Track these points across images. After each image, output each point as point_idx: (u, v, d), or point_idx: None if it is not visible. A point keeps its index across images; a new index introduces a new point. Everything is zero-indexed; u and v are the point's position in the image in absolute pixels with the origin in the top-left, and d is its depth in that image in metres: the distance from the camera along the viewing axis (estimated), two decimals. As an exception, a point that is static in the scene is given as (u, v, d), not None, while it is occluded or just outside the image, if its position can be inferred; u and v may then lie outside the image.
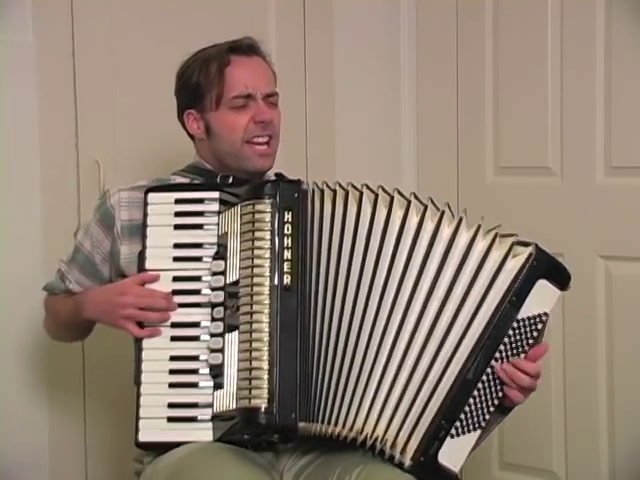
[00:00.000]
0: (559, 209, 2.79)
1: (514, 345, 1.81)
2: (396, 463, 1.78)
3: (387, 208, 1.82)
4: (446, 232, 1.81)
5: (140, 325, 1.88)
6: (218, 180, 1.97)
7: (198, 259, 1.88)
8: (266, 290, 1.81)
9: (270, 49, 2.11)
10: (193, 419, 1.84)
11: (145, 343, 1.87)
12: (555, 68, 2.76)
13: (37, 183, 2.40)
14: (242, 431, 1.81)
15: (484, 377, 1.79)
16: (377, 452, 1.78)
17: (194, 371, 1.85)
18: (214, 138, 2.02)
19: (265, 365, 1.79)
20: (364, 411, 1.78)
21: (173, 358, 1.86)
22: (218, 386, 1.83)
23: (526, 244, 1.83)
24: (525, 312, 1.81)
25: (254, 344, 1.80)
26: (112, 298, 1.89)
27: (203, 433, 1.83)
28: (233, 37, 2.05)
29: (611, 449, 2.71)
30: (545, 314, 1.83)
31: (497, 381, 1.80)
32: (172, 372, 1.86)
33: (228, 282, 1.85)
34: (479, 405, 1.80)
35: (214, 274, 1.85)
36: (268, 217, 1.83)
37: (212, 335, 1.84)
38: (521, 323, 1.81)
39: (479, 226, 1.83)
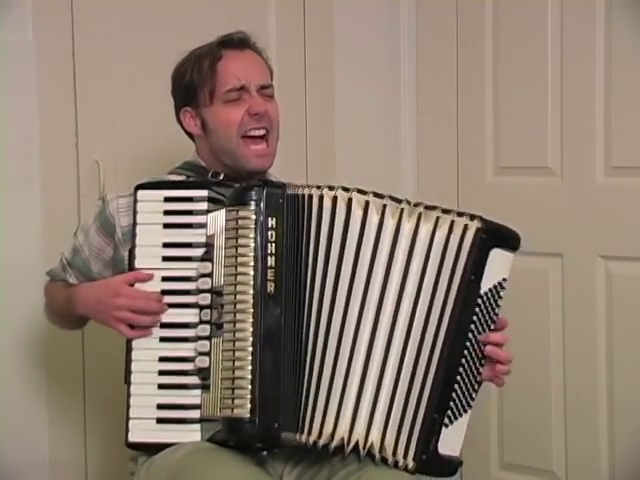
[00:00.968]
0: (559, 209, 2.79)
1: (484, 319, 1.83)
2: (402, 468, 1.79)
3: (362, 210, 1.82)
4: (390, 224, 1.81)
5: (131, 326, 1.87)
6: (209, 176, 1.97)
7: (187, 259, 1.86)
8: (250, 298, 1.80)
9: (270, 49, 2.11)
10: (182, 420, 1.83)
11: (135, 343, 1.87)
12: (555, 68, 2.77)
13: (37, 183, 2.40)
14: (226, 438, 1.81)
15: (462, 360, 1.81)
16: (379, 460, 1.79)
17: (183, 372, 1.84)
18: (210, 134, 2.01)
19: (248, 375, 1.78)
20: (344, 419, 1.79)
21: (162, 359, 1.85)
22: (205, 389, 1.82)
23: (472, 217, 1.83)
24: (486, 285, 1.82)
25: (237, 353, 1.79)
26: (105, 299, 1.88)
27: (191, 435, 1.83)
28: (232, 37, 2.05)
29: (611, 449, 2.71)
30: (504, 280, 1.84)
31: (475, 359, 1.82)
32: (161, 373, 1.85)
33: (215, 285, 1.83)
34: (464, 388, 1.82)
35: (202, 276, 1.84)
36: (252, 223, 1.81)
37: (199, 338, 1.83)
38: (485, 297, 1.82)
39: (420, 214, 1.81)
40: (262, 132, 1.99)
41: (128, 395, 1.86)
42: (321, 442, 1.80)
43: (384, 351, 1.80)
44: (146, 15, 2.56)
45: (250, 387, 1.78)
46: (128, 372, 1.87)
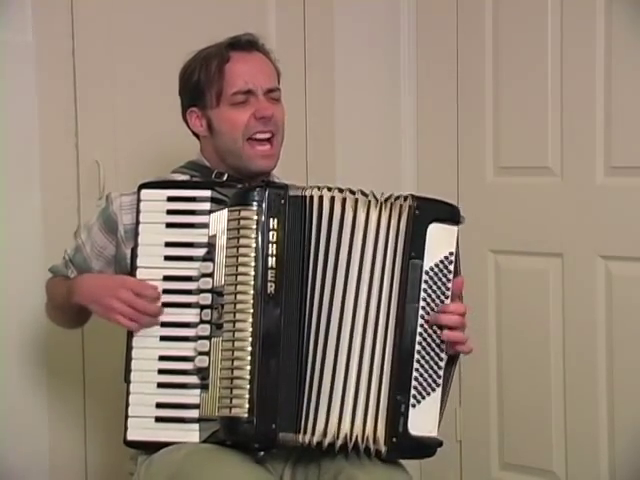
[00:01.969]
0: (559, 209, 2.79)
1: (434, 295, 1.83)
2: (373, 454, 1.80)
3: (352, 210, 1.84)
4: (361, 218, 1.84)
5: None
6: (213, 176, 1.97)
7: (189, 259, 1.86)
8: (250, 298, 1.80)
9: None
10: (180, 420, 1.83)
11: (135, 342, 1.87)
12: (555, 68, 2.77)
13: (37, 183, 2.40)
14: (224, 438, 1.81)
15: (419, 338, 1.82)
16: (351, 450, 1.80)
17: (183, 372, 1.84)
18: (216, 135, 2.02)
19: (247, 375, 1.79)
20: (334, 414, 1.80)
21: (162, 358, 1.86)
22: (204, 388, 1.83)
23: (405, 197, 1.85)
24: (431, 260, 1.83)
25: (236, 353, 1.80)
26: (109, 289, 1.86)
27: (190, 434, 1.83)
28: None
29: (611, 449, 2.71)
30: (451, 254, 1.84)
31: (434, 336, 1.83)
32: (161, 372, 1.85)
33: (216, 285, 1.84)
34: (427, 366, 1.82)
35: (203, 275, 1.85)
36: (254, 224, 1.82)
37: (199, 337, 1.84)
38: (431, 273, 1.83)
39: (369, 202, 1.84)
40: (268, 135, 2.00)
41: (127, 393, 1.86)
42: (319, 440, 1.80)
43: (360, 345, 1.83)
44: (146, 15, 2.56)
45: (248, 387, 1.78)
46: (128, 370, 1.87)
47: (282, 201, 1.83)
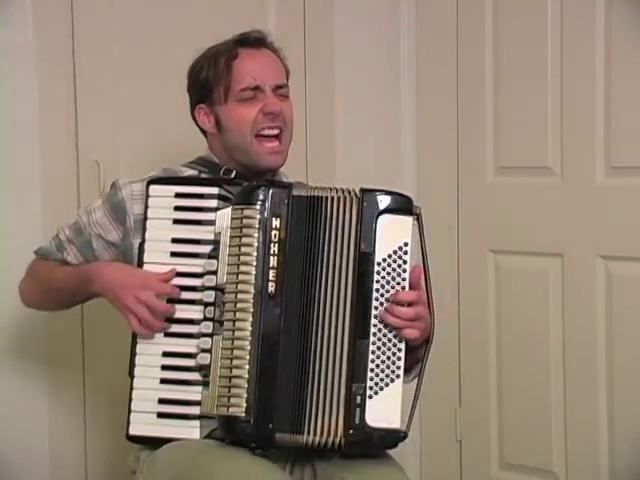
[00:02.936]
0: (559, 209, 2.79)
1: (389, 286, 1.83)
2: (335, 447, 1.80)
3: (331, 206, 1.85)
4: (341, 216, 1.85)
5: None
6: (221, 173, 1.98)
7: (195, 255, 1.87)
8: (250, 297, 1.81)
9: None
10: (182, 416, 1.84)
11: (140, 336, 1.88)
12: (555, 68, 2.77)
13: (37, 183, 2.40)
14: (222, 436, 1.82)
15: (373, 329, 1.82)
16: (316, 447, 1.80)
17: (186, 368, 1.85)
18: (224, 132, 2.02)
19: (245, 374, 1.80)
20: (328, 414, 1.81)
21: (166, 354, 1.87)
22: (205, 385, 1.83)
23: (354, 190, 1.86)
24: (383, 252, 1.83)
25: (235, 352, 1.81)
26: (131, 287, 1.86)
27: (191, 431, 1.84)
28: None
29: (611, 449, 2.71)
30: (405, 244, 1.84)
31: (390, 327, 1.82)
32: (164, 368, 1.86)
33: (219, 282, 1.85)
34: (384, 357, 1.82)
35: (207, 273, 1.86)
36: (256, 223, 1.83)
37: (202, 335, 1.85)
38: (384, 264, 1.83)
39: (339, 198, 1.85)
40: (276, 131, 2.00)
41: (131, 388, 1.87)
42: (316, 440, 1.81)
43: (336, 342, 1.83)
44: (146, 15, 2.56)
45: (246, 387, 1.80)
46: (132, 365, 1.88)
47: (285, 201, 1.85)
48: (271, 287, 1.82)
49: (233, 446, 1.81)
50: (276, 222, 1.83)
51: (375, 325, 1.82)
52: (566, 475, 2.81)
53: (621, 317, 2.68)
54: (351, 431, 1.79)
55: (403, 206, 1.85)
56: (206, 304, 1.85)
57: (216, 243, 1.86)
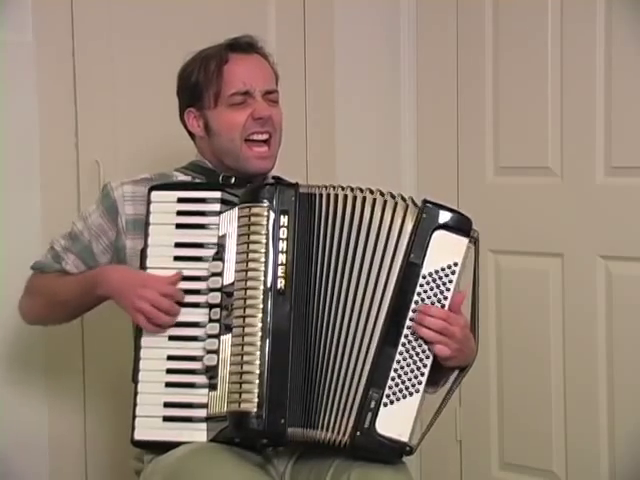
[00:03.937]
0: (559, 209, 2.79)
1: (429, 301, 1.82)
2: (339, 445, 1.79)
3: (370, 208, 1.85)
4: (377, 218, 1.85)
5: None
6: (220, 180, 1.98)
7: (199, 259, 1.88)
8: (260, 294, 1.82)
9: (270, 49, 2.10)
10: (188, 419, 1.84)
11: (144, 342, 1.87)
12: (555, 68, 2.77)
13: (37, 183, 2.40)
14: (232, 434, 1.82)
15: (403, 339, 1.81)
16: (322, 442, 1.80)
17: (191, 371, 1.85)
18: (213, 136, 2.02)
19: (256, 370, 1.79)
20: (341, 410, 1.80)
21: (171, 358, 1.87)
22: (212, 387, 1.83)
23: (414, 200, 1.86)
24: (430, 266, 1.82)
25: (246, 348, 1.80)
26: (133, 286, 1.86)
27: (197, 434, 1.84)
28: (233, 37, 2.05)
29: (611, 449, 2.71)
30: (455, 264, 1.83)
31: (421, 340, 1.81)
32: (169, 371, 1.86)
33: (225, 284, 1.85)
34: (408, 368, 1.80)
35: (212, 275, 1.86)
36: (264, 221, 1.84)
37: (208, 336, 1.85)
38: (429, 278, 1.82)
39: (374, 199, 1.85)
40: (265, 136, 2.00)
41: (135, 393, 1.87)
42: (328, 436, 1.80)
43: (359, 341, 1.83)
44: (146, 15, 2.56)
45: (258, 382, 1.79)
46: (136, 370, 1.87)
47: (292, 198, 1.85)
48: (280, 283, 1.82)
49: (223, 452, 1.80)
50: (284, 219, 1.84)
51: (406, 336, 1.81)
52: (566, 475, 2.81)
53: (621, 317, 2.68)
54: (358, 433, 1.78)
55: (461, 226, 1.85)
56: (212, 306, 1.85)
57: (220, 246, 1.87)
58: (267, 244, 1.83)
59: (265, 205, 1.84)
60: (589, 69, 2.69)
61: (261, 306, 1.81)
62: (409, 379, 1.80)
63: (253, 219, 1.84)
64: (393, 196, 1.86)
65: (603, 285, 2.71)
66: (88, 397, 2.50)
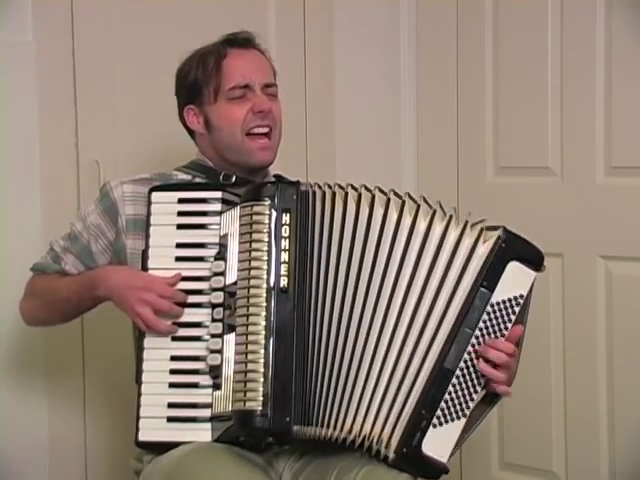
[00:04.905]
0: (559, 209, 2.79)
1: (491, 329, 1.81)
2: (381, 458, 1.79)
3: (384, 209, 1.83)
4: (422, 226, 1.83)
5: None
6: (221, 179, 1.98)
7: (200, 259, 1.88)
8: (263, 292, 1.81)
9: (270, 48, 2.12)
10: (192, 419, 1.84)
11: (146, 343, 1.87)
12: (555, 68, 2.76)
13: (37, 183, 2.40)
14: (237, 433, 1.81)
15: (462, 364, 1.80)
16: (365, 449, 1.79)
17: (194, 371, 1.85)
18: (214, 132, 2.02)
19: (260, 368, 1.79)
20: (353, 411, 1.79)
21: (174, 358, 1.86)
22: (216, 387, 1.83)
23: (496, 228, 1.84)
24: (500, 295, 1.81)
25: (250, 346, 1.80)
26: (134, 289, 1.86)
27: (202, 434, 1.83)
28: (233, 37, 2.05)
29: (611, 449, 2.71)
30: (521, 296, 1.82)
31: (476, 367, 1.81)
32: (172, 372, 1.86)
33: (227, 283, 1.85)
34: (460, 393, 1.80)
35: (214, 275, 1.86)
36: (266, 219, 1.83)
37: (212, 336, 1.85)
38: (496, 307, 1.81)
39: (451, 216, 1.83)
40: (266, 130, 2.01)
41: (139, 394, 1.87)
42: (342, 436, 1.79)
43: (399, 348, 1.80)
44: (146, 15, 2.56)
45: (262, 380, 1.79)
46: (139, 372, 1.87)
47: (294, 196, 1.85)
48: (283, 281, 1.82)
49: (222, 452, 1.80)
50: (286, 218, 1.84)
51: (465, 361, 1.80)
52: (566, 475, 2.81)
53: (621, 317, 2.68)
54: (405, 450, 1.78)
55: (535, 260, 1.85)
56: (215, 305, 1.85)
57: (222, 246, 1.86)
58: (269, 242, 1.83)
59: (267, 203, 1.84)
60: (589, 69, 2.69)
61: (264, 305, 1.81)
62: (459, 404, 1.80)
63: (255, 218, 1.84)
64: (398, 195, 1.85)
65: (603, 285, 2.71)
66: (88, 397, 2.50)
